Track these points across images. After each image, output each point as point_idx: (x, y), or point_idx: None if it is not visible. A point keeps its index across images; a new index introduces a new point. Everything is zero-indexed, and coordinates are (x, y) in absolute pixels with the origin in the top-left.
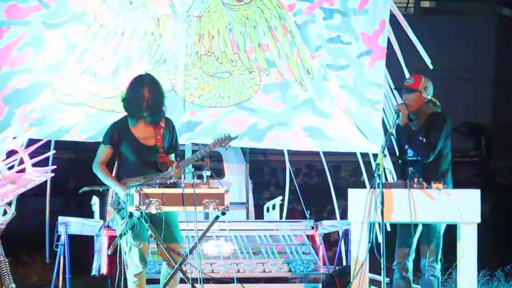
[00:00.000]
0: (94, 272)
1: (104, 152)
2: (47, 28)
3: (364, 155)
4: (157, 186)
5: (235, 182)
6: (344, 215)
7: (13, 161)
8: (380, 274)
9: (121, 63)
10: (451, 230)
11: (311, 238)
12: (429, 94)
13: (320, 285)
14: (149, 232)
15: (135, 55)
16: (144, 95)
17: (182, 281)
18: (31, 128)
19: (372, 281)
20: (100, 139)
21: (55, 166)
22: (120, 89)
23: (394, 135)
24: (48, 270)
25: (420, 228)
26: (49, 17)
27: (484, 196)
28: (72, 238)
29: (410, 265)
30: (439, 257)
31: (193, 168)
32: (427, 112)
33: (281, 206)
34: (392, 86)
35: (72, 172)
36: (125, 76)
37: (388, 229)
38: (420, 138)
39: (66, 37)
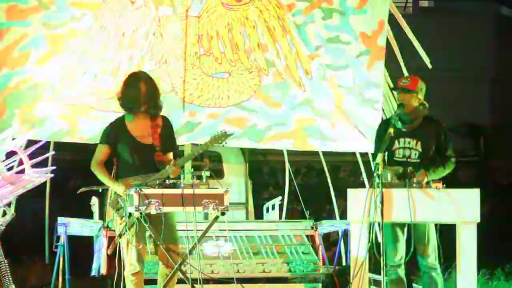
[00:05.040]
0: (93, 272)
1: (101, 151)
2: (47, 29)
3: (364, 155)
4: (156, 187)
5: (235, 182)
6: (343, 215)
7: (12, 162)
8: (379, 274)
9: (122, 63)
10: (451, 230)
11: (310, 238)
12: (423, 96)
13: (320, 285)
14: (148, 232)
15: (136, 55)
16: (141, 89)
17: (181, 281)
18: (31, 129)
19: (372, 281)
20: None
21: (54, 167)
22: None
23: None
24: (48, 271)
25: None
26: (49, 18)
27: (483, 195)
28: (71, 238)
29: (403, 265)
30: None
31: (192, 169)
32: (421, 114)
33: (281, 206)
34: (391, 86)
35: (72, 173)
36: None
37: None
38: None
39: (67, 38)
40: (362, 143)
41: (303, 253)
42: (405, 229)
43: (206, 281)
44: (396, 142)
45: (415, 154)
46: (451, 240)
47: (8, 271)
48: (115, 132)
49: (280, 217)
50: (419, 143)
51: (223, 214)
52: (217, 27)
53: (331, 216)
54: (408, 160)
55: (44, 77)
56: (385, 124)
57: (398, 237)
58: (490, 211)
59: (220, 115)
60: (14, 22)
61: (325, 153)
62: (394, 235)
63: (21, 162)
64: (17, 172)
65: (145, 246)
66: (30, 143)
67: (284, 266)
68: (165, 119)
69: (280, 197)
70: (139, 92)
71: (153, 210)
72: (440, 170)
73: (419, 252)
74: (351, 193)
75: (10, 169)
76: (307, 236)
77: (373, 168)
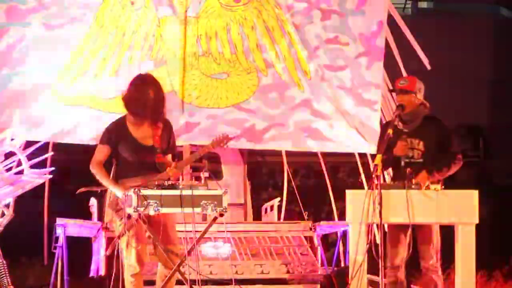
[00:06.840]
0: (92, 273)
1: (101, 152)
2: (47, 29)
3: (362, 156)
4: (155, 188)
5: (233, 183)
6: (342, 216)
7: (11, 162)
8: (378, 275)
9: (122, 64)
10: (449, 231)
11: (309, 239)
12: (422, 95)
13: (318, 286)
14: (147, 233)
15: (136, 56)
16: (149, 96)
17: (180, 282)
18: (31, 130)
19: (370, 282)
20: None
21: (53, 168)
22: (121, 90)
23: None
24: (47, 272)
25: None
26: (49, 18)
27: (482, 197)
28: (70, 239)
29: (403, 267)
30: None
31: (191, 170)
32: (421, 114)
33: (279, 207)
34: (390, 87)
35: (70, 174)
36: (126, 77)
37: (386, 230)
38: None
39: (66, 38)
40: (361, 144)
41: (301, 254)
42: (408, 232)
43: (205, 282)
44: (399, 142)
45: (418, 154)
46: (450, 241)
47: (7, 272)
48: (116, 133)
49: (279, 218)
50: (421, 142)
51: (221, 215)
52: (216, 27)
53: (329, 217)
54: (412, 160)
55: (44, 78)
56: (387, 125)
57: (400, 239)
58: (489, 213)
59: (219, 116)
60: (14, 23)
61: (324, 154)
62: (396, 237)
63: (20, 163)
64: (16, 173)
65: (144, 247)
66: (29, 144)
67: (283, 268)
68: (165, 121)
69: (278, 198)
70: (147, 98)
71: (151, 211)
72: (445, 170)
73: (421, 254)
74: (350, 194)
75: (9, 169)
76: (305, 237)
77: (372, 169)
